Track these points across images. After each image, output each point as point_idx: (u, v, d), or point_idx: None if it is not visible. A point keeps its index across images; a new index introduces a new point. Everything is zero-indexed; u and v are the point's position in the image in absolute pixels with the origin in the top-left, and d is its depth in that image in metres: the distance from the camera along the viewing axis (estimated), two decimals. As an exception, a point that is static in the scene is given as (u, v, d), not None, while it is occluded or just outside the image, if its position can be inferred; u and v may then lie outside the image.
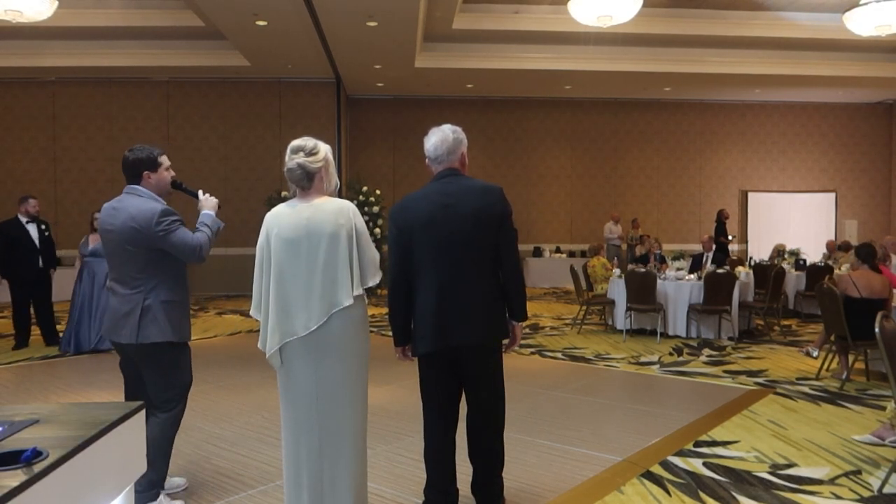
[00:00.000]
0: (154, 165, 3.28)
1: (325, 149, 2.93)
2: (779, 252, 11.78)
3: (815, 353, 6.96)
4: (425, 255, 2.98)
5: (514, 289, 3.07)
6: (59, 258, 12.27)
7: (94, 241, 7.67)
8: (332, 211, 2.84)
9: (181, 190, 3.48)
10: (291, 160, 2.85)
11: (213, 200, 3.47)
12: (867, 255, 5.87)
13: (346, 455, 2.85)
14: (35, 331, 8.13)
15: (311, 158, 2.86)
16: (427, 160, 3.11)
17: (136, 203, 3.18)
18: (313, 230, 2.81)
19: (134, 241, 3.14)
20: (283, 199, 3.05)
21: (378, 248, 14.32)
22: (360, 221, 2.89)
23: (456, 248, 2.95)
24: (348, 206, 2.90)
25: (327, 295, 2.79)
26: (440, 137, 3.06)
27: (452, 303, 2.95)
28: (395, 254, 3.04)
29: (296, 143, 2.90)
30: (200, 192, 3.48)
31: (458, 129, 3.12)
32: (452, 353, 3.01)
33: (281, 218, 2.87)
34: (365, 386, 2.94)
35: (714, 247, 10.18)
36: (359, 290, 2.83)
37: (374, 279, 2.91)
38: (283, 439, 2.92)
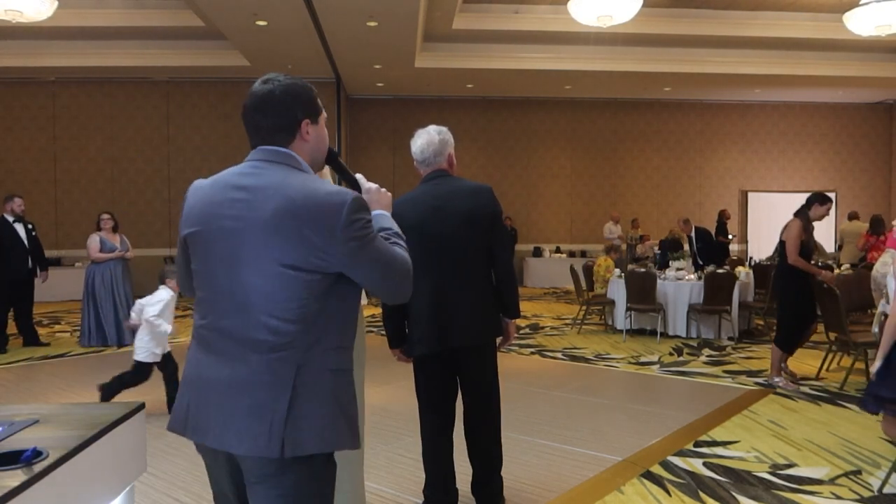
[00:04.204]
0: (316, 110, 1.81)
1: None
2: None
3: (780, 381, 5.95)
4: (418, 257, 2.96)
5: (507, 287, 3.09)
6: (58, 258, 12.37)
7: (114, 239, 8.14)
8: None
9: (337, 167, 1.98)
10: None
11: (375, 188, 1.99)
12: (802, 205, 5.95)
13: (343, 451, 2.86)
14: (11, 332, 8.04)
15: None
16: (415, 163, 3.10)
17: (303, 181, 1.69)
18: None
19: (292, 254, 1.63)
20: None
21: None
22: None
23: (448, 249, 2.96)
24: None
25: None
26: (426, 140, 3.04)
27: (447, 304, 2.96)
28: None
29: None
30: (359, 176, 2.00)
31: (444, 129, 3.08)
32: (448, 353, 3.02)
33: None
34: (361, 387, 2.95)
35: (694, 228, 10.20)
36: None
37: None
38: None
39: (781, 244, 5.81)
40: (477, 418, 3.14)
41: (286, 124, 1.73)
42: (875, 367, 3.30)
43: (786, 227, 5.82)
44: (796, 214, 5.81)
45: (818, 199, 5.76)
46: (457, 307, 2.96)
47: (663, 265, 9.41)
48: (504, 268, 3.08)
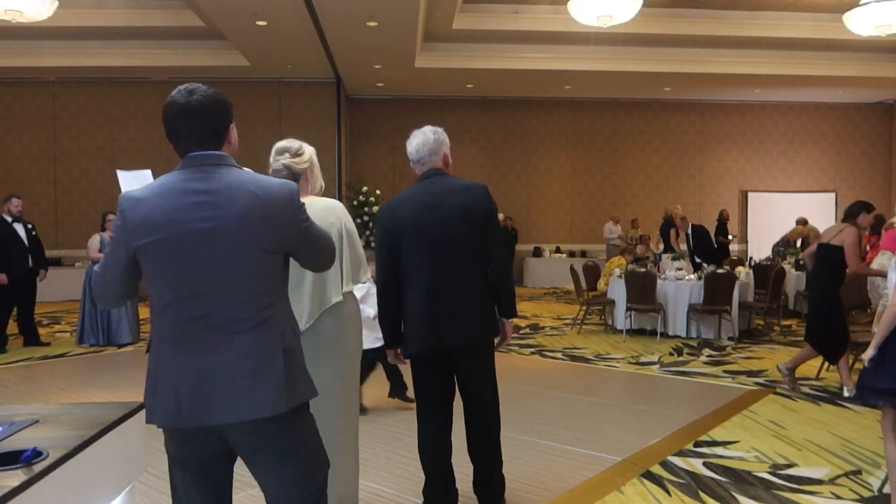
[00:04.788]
0: (232, 115, 2.04)
1: (309, 150, 2.95)
2: (786, 242, 11.83)
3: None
4: (413, 256, 2.98)
5: (502, 285, 3.08)
6: (58, 258, 12.38)
7: None
8: (322, 210, 2.86)
9: None
10: (277, 161, 2.88)
11: None
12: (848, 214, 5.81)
13: (339, 449, 2.89)
14: (11, 332, 8.04)
15: (296, 160, 2.88)
16: (410, 162, 3.11)
17: (255, 178, 1.95)
18: None
19: (268, 240, 1.91)
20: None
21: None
22: (349, 220, 2.93)
23: (443, 247, 2.95)
24: (338, 206, 2.93)
25: (318, 293, 2.81)
26: (422, 139, 3.06)
27: (442, 303, 2.95)
28: (383, 256, 3.04)
29: (280, 144, 2.92)
30: None
31: (440, 129, 3.11)
32: (444, 352, 3.01)
33: None
34: (356, 382, 3.00)
35: (691, 225, 10.20)
36: (349, 287, 2.85)
37: (365, 276, 2.96)
38: None
39: (823, 248, 5.54)
40: (475, 418, 3.14)
41: (220, 130, 1.94)
42: (868, 354, 3.24)
43: (838, 233, 5.49)
44: (845, 221, 5.57)
45: (865, 208, 5.54)
46: (452, 306, 2.95)
47: (668, 249, 9.40)
48: (499, 266, 3.07)
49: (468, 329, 2.99)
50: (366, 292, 4.99)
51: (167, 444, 1.91)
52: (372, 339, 4.97)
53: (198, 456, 1.94)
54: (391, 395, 5.29)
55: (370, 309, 4.98)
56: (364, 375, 5.05)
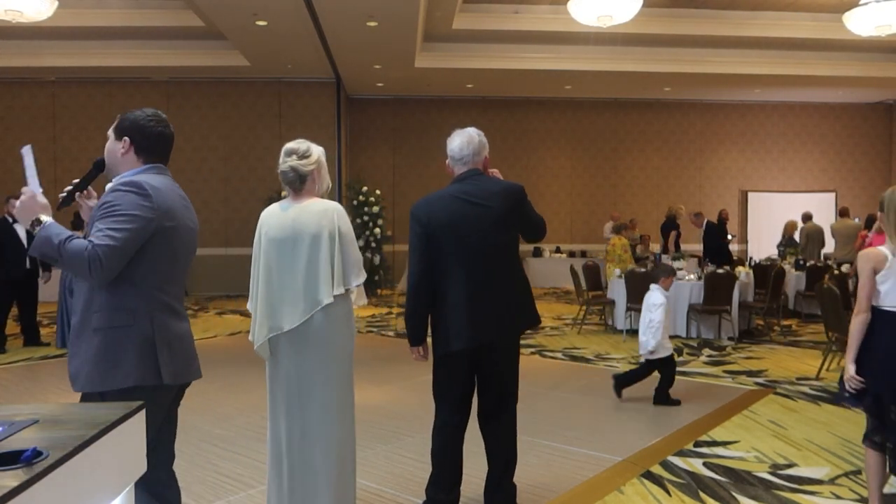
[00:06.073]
0: None
1: (317, 152, 2.99)
2: (789, 239, 11.82)
3: None
4: (452, 254, 2.99)
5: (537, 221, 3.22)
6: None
7: None
8: (317, 212, 2.92)
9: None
10: (284, 163, 2.94)
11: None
12: None
13: (328, 445, 2.92)
14: (12, 332, 8.02)
15: (303, 161, 2.94)
16: (449, 160, 3.12)
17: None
18: (298, 230, 2.90)
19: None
20: (283, 199, 3.09)
21: (379, 248, 13.85)
22: (343, 223, 2.95)
23: (485, 246, 2.98)
24: (333, 208, 2.95)
25: (310, 293, 2.88)
26: (466, 139, 3.08)
27: (485, 301, 2.98)
28: (419, 253, 3.02)
29: (289, 146, 2.98)
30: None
31: (482, 133, 3.15)
32: (474, 350, 3.01)
33: (271, 218, 2.98)
34: (349, 380, 3.02)
35: (706, 221, 10.17)
36: (340, 290, 2.89)
37: (358, 279, 2.98)
38: (269, 428, 3.01)
39: None
40: (498, 412, 3.12)
41: (169, 151, 2.44)
42: (850, 371, 3.04)
43: None
44: None
45: None
46: (494, 303, 2.99)
47: (666, 249, 9.34)
48: (536, 224, 3.19)
49: (510, 326, 3.06)
50: (661, 303, 5.23)
51: (155, 400, 2.18)
52: (665, 348, 5.31)
53: (165, 409, 2.38)
54: (656, 401, 5.38)
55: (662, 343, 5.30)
56: (639, 377, 5.41)
